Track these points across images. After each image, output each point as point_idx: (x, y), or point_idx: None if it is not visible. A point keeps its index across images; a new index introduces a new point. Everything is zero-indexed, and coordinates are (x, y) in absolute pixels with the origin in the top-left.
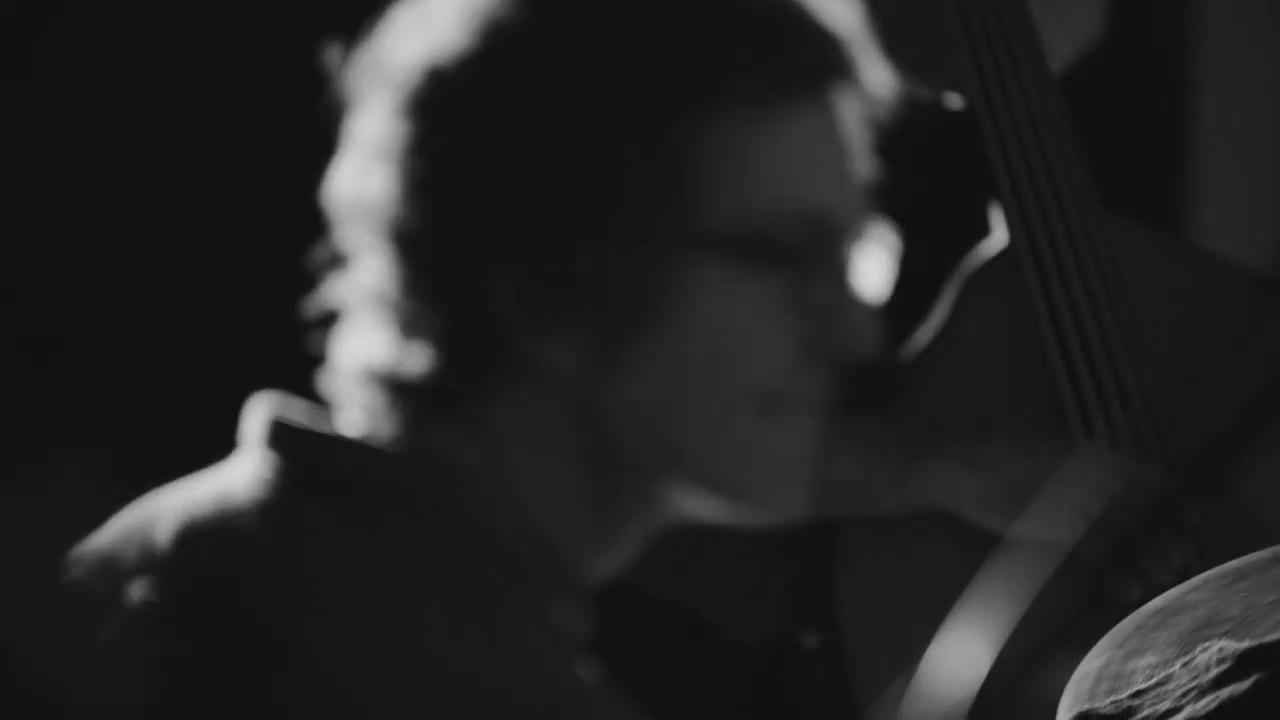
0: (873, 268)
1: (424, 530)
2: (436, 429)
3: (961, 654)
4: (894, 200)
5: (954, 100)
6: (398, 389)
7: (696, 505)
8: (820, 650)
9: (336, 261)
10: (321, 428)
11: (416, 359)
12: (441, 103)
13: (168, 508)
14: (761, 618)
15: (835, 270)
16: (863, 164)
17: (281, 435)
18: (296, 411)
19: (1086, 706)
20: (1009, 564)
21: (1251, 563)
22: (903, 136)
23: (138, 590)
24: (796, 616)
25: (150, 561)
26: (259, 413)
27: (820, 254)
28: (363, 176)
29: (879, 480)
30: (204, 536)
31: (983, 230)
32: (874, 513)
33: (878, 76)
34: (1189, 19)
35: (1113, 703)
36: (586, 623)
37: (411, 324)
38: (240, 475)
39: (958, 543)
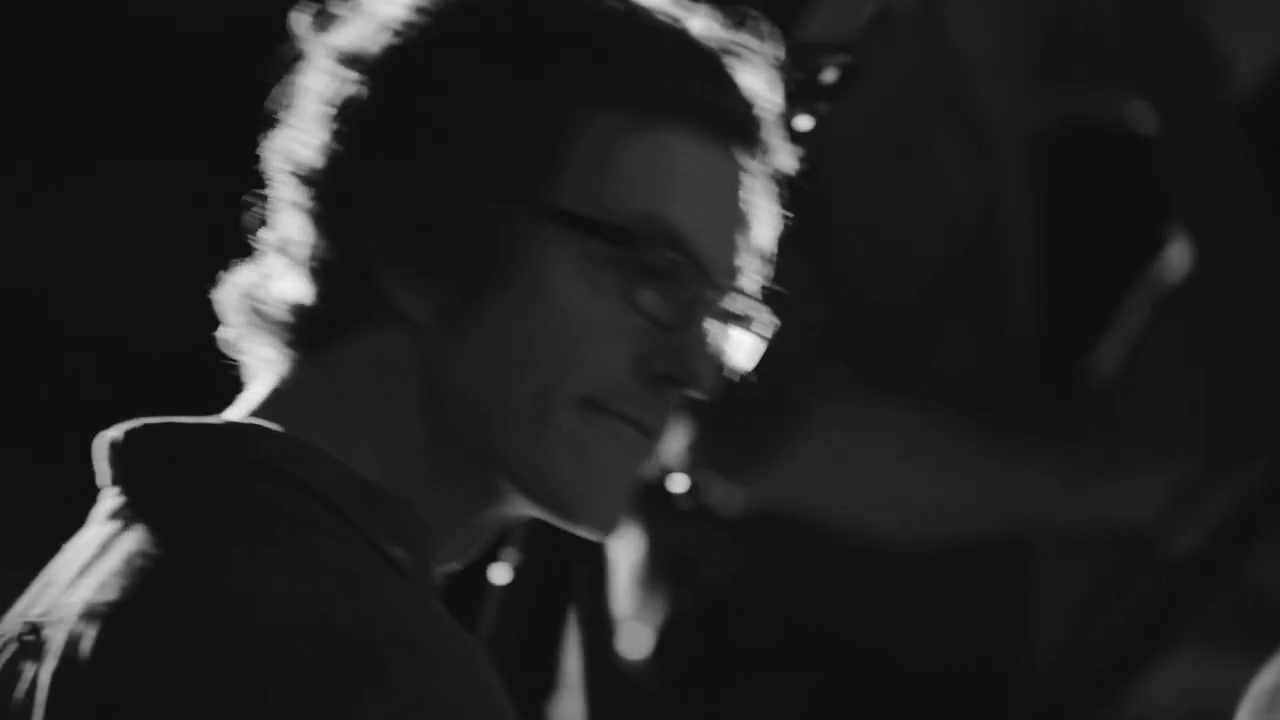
0: (737, 332)
1: (240, 489)
2: (294, 367)
3: None
4: (1073, 214)
5: (1135, 116)
6: (267, 321)
7: (514, 499)
8: (1008, 673)
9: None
10: (148, 425)
11: (289, 291)
12: (350, 62)
13: (44, 574)
14: (950, 641)
15: (691, 301)
16: (755, 230)
17: (115, 457)
18: (135, 426)
19: None
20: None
21: None
22: (1083, 154)
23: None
24: (983, 639)
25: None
26: (98, 450)
27: (678, 277)
28: (287, 132)
29: (1064, 500)
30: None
31: (1162, 245)
32: (1059, 532)
33: (780, 159)
34: None
35: None
36: (427, 564)
37: (295, 261)
38: (92, 521)
39: (1144, 561)
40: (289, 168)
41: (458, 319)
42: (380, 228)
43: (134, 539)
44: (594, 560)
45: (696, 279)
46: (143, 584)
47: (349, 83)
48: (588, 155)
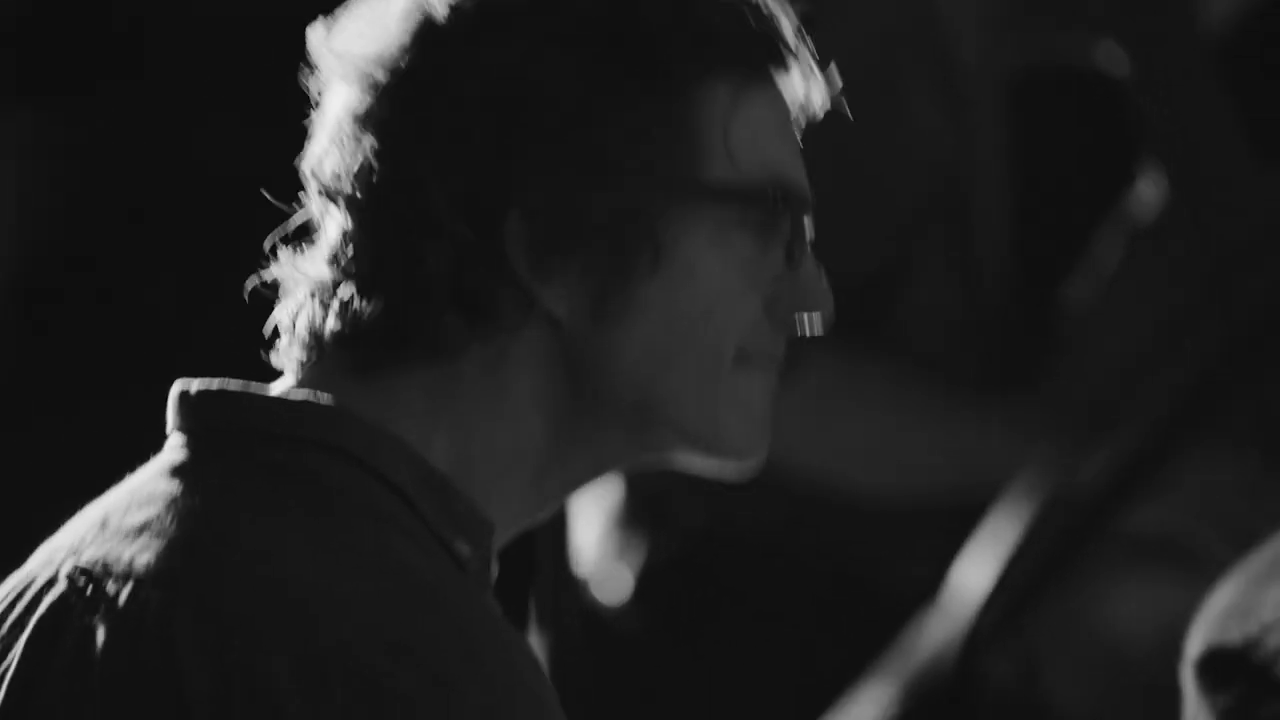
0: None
1: (313, 473)
2: (390, 373)
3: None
4: (1043, 154)
5: (1105, 56)
6: (351, 342)
7: (671, 458)
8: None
9: (300, 233)
10: (212, 390)
11: (407, 316)
12: (456, 58)
13: (94, 509)
14: (919, 571)
15: (800, 238)
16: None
17: (186, 410)
18: (213, 387)
19: (1216, 641)
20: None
21: None
22: (1057, 95)
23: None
24: (944, 569)
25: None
26: (173, 398)
27: (789, 220)
28: (353, 140)
29: (1023, 455)
30: (114, 528)
31: (1132, 181)
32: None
33: (811, 79)
34: None
35: (1242, 636)
36: (488, 560)
37: (390, 277)
38: (153, 462)
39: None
40: (388, 181)
41: (608, 309)
42: (522, 233)
43: (204, 509)
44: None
45: (802, 217)
46: (213, 563)
47: (449, 94)
48: (712, 129)
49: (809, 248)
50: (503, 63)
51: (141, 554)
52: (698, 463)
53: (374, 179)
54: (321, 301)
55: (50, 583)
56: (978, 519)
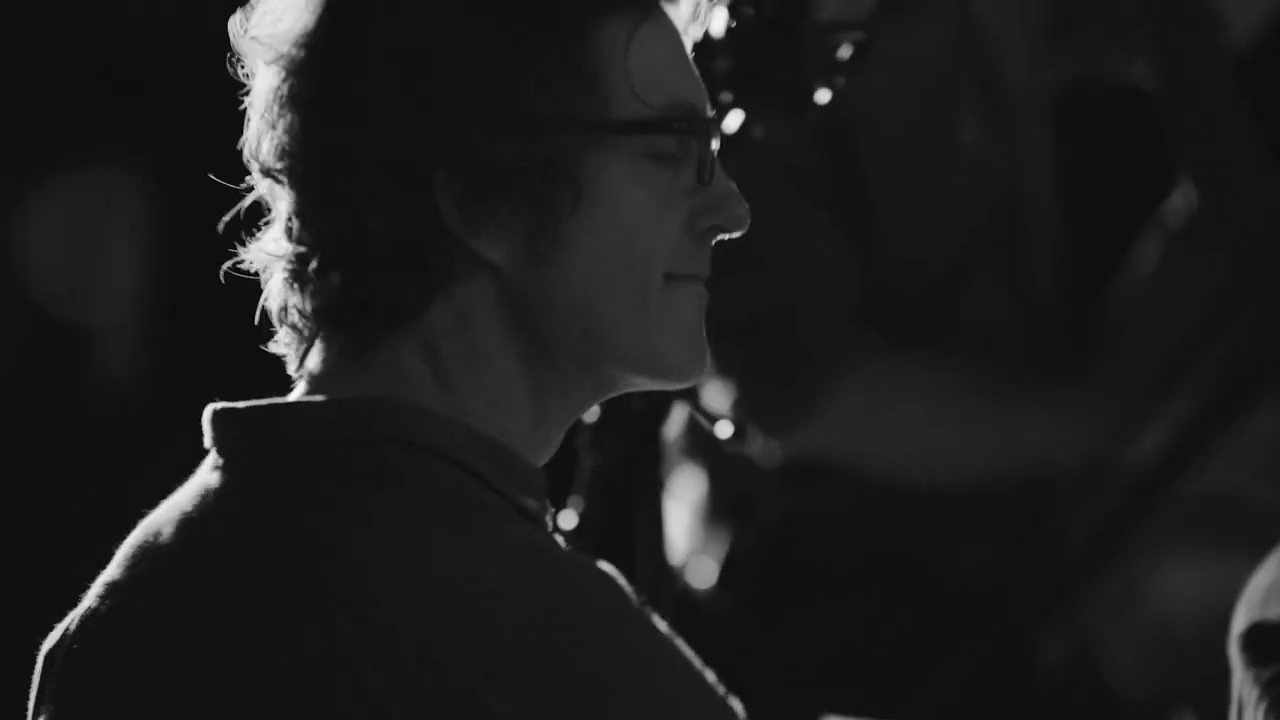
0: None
1: (382, 471)
2: (386, 350)
3: None
4: (1088, 167)
5: (1140, 72)
6: (339, 318)
7: (622, 383)
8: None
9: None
10: (262, 405)
11: (361, 282)
12: (367, 30)
13: (145, 528)
14: (984, 555)
15: (708, 157)
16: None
17: (223, 430)
18: (242, 405)
19: (1259, 617)
20: None
21: None
22: (1096, 103)
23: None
24: (1010, 552)
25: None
26: (207, 420)
27: (694, 143)
28: (282, 119)
29: (1075, 443)
30: (162, 549)
31: (1169, 190)
32: (1071, 471)
33: (701, 4)
34: None
35: None
36: (546, 509)
37: (341, 247)
38: (195, 481)
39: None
40: (323, 156)
41: (540, 250)
42: (450, 190)
43: (313, 528)
44: (652, 503)
45: (708, 137)
46: (359, 585)
47: (364, 65)
48: (613, 67)
49: (717, 164)
50: (410, 30)
51: (274, 580)
52: (646, 385)
53: (309, 155)
54: (292, 281)
55: (154, 619)
56: (1035, 502)
